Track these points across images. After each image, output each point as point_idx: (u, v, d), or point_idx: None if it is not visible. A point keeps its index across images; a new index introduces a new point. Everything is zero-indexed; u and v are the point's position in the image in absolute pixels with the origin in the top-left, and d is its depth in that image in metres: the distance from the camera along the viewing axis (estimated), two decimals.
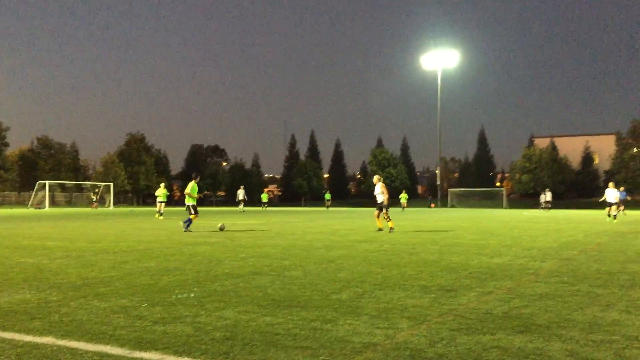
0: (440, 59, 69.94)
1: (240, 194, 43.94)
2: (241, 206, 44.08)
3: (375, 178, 17.86)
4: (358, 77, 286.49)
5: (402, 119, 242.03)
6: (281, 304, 5.48)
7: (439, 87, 70.45)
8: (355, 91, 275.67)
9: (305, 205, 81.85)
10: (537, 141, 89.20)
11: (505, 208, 61.47)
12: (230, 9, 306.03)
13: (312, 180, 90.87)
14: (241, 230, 17.54)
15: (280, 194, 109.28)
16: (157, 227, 19.40)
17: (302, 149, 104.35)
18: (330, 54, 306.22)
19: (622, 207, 37.51)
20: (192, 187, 17.39)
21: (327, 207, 55.97)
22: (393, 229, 16.66)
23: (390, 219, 16.70)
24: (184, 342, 4.13)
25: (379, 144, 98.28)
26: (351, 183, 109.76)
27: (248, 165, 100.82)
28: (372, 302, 5.60)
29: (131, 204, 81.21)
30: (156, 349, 3.95)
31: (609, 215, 24.20)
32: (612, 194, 24.49)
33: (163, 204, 29.40)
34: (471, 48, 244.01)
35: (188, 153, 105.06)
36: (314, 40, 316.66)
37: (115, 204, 67.66)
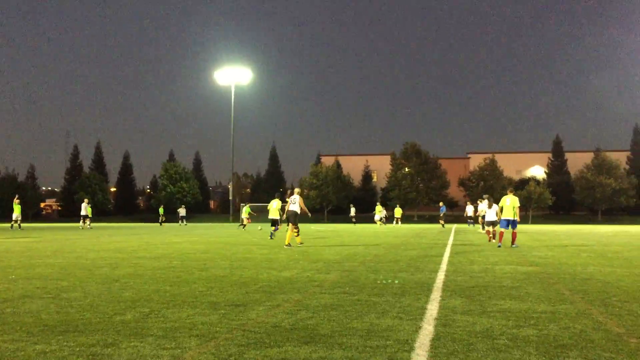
0: (234, 75, 70.94)
1: (84, 208, 39.35)
2: (86, 222, 39.22)
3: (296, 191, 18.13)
4: (149, 88, 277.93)
5: (194, 133, 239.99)
6: (55, 330, 4.99)
7: (232, 102, 71.27)
8: (146, 102, 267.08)
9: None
10: (323, 159, 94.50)
11: None
12: (13, 5, 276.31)
13: (96, 194, 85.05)
14: (11, 250, 15.74)
15: (59, 209, 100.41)
16: None
17: (87, 161, 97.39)
18: (119, 61, 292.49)
19: (442, 221, 42.07)
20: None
21: (161, 222, 52.58)
22: (293, 244, 16.45)
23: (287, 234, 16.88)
24: None
25: (171, 157, 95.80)
26: (140, 198, 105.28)
27: (22, 177, 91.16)
28: (159, 321, 5.37)
29: None
30: None
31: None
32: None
33: None
34: (265, 67, 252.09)
35: None
36: (101, 44, 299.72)
37: None
